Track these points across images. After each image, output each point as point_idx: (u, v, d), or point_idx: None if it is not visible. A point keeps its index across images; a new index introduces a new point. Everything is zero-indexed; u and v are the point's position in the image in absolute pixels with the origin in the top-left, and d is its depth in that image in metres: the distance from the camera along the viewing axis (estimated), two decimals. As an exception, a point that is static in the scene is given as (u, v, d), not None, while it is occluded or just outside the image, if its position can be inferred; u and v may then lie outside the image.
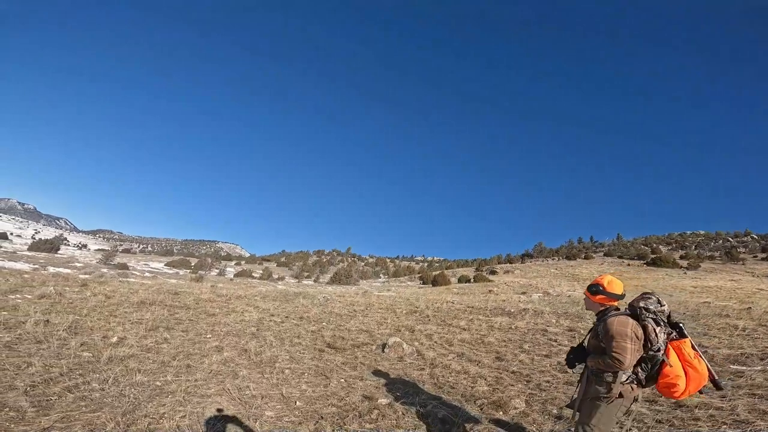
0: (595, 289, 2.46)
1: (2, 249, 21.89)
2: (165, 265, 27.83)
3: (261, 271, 30.88)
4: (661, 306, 2.32)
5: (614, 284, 2.46)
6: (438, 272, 27.49)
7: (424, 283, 24.74)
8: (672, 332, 2.28)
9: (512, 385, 4.54)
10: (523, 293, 15.22)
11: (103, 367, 4.08)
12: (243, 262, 44.90)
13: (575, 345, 2.66)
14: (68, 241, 62.38)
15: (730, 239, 46.26)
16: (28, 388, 3.29)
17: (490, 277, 23.92)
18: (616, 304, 2.47)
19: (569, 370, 4.88)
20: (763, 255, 33.47)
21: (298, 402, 3.87)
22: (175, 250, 68.78)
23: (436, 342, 6.79)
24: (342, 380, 4.62)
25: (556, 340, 6.67)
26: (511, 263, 37.35)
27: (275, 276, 29.43)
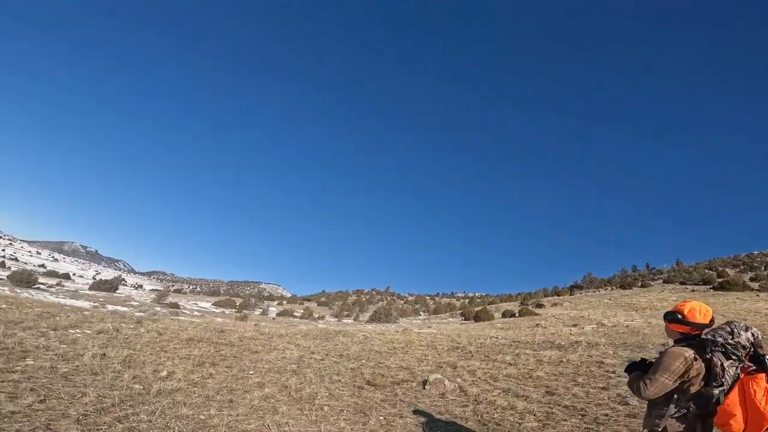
0: (672, 316, 2.28)
1: (65, 288, 23.80)
2: (212, 304, 28.91)
3: (302, 311, 31.21)
4: (734, 337, 2.08)
5: (696, 312, 2.23)
6: (480, 308, 26.47)
7: (465, 319, 23.83)
8: (750, 366, 2.04)
9: (565, 420, 4.21)
10: (574, 325, 14.21)
11: (152, 400, 4.23)
12: (285, 302, 45.68)
13: (637, 360, 2.47)
14: (126, 281, 66.89)
15: None
16: (81, 417, 3.47)
17: (537, 311, 22.63)
18: (699, 333, 2.21)
19: (632, 402, 4.47)
20: None
21: (336, 439, 3.78)
22: (221, 291, 71.53)
23: (479, 378, 6.46)
24: (381, 418, 4.47)
25: (614, 372, 6.14)
26: (558, 296, 35.29)
27: (316, 315, 29.60)
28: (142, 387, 4.61)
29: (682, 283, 32.50)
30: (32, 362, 4.81)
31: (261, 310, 29.74)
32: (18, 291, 15.53)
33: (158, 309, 17.94)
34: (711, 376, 2.05)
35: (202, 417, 3.96)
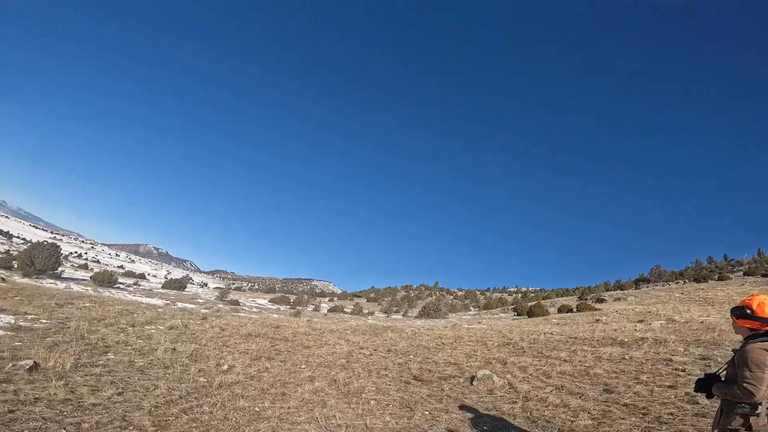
0: (740, 311, 2.17)
1: (141, 287, 26.34)
2: (268, 301, 30.50)
3: (352, 307, 31.94)
4: None
5: (766, 306, 2.12)
6: (534, 302, 25.42)
7: (518, 315, 23.02)
8: None
9: (623, 419, 3.98)
10: (640, 321, 13.20)
11: (214, 392, 4.60)
12: (335, 299, 47.01)
13: (709, 373, 2.36)
14: (193, 280, 72.40)
15: None
16: (152, 409, 3.85)
17: (597, 306, 21.29)
18: (750, 325, 2.14)
19: (701, 402, 4.10)
20: None
21: (380, 432, 3.87)
22: (276, 288, 75.11)
23: (531, 374, 6.25)
24: (426, 413, 4.50)
25: (684, 370, 5.66)
26: (622, 289, 32.90)
27: (365, 311, 30.16)
28: (206, 380, 5.02)
29: (764, 276, 28.88)
30: (113, 356, 5.41)
31: (313, 307, 30.86)
32: (100, 290, 17.45)
33: (221, 306, 19.29)
34: None
35: (257, 409, 4.23)
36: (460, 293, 61.09)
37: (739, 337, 2.24)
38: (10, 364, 4.24)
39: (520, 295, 50.07)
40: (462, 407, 4.71)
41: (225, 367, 5.79)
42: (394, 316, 26.88)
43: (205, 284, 65.70)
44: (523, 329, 12.65)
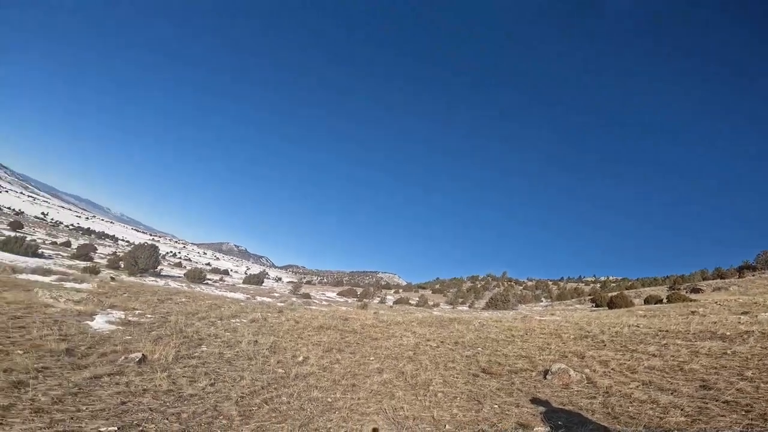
0: None
1: (225, 282, 29.03)
2: (337, 294, 31.86)
3: (417, 299, 32.08)
4: None
5: None
6: (615, 293, 23.43)
7: (597, 306, 21.40)
8: None
9: (722, 416, 3.54)
10: (744, 313, 11.53)
11: (291, 383, 4.95)
12: (401, 290, 47.56)
13: None
14: (269, 275, 77.85)
15: None
16: (239, 399, 4.23)
17: (692, 296, 19.05)
18: None
19: None
20: None
21: (447, 426, 3.87)
22: (344, 281, 77.96)
23: (613, 369, 5.81)
24: (495, 406, 4.41)
25: (797, 367, 4.86)
26: (722, 278, 28.96)
27: (430, 303, 30.12)
28: (283, 371, 5.42)
29: None
30: (206, 349, 6.06)
31: (379, 299, 31.56)
32: (192, 286, 19.59)
33: (294, 299, 20.58)
34: None
35: (329, 400, 4.48)
36: (530, 283, 58.30)
37: None
38: (123, 357, 4.91)
39: (598, 285, 46.42)
40: (534, 401, 4.53)
41: (300, 359, 6.19)
42: (460, 308, 26.51)
43: (280, 279, 70.21)
44: (603, 321, 11.74)
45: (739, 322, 9.50)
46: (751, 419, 3.40)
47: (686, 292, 21.01)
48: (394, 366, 6.28)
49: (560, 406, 4.31)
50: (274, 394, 4.47)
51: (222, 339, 6.80)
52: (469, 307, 27.98)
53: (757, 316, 10.65)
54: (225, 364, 5.39)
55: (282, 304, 16.18)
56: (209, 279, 27.15)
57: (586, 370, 5.78)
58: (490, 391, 4.99)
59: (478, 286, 52.13)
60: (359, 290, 36.69)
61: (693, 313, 13.03)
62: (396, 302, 29.10)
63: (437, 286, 53.68)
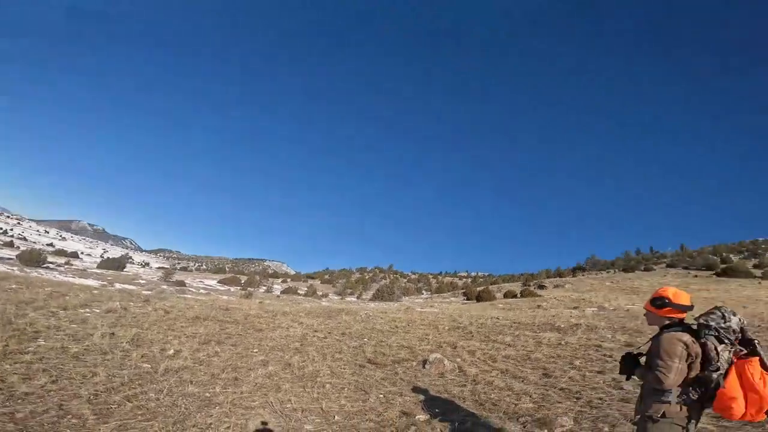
0: (660, 302, 2.29)
1: (74, 266, 24.23)
2: (217, 282, 29.42)
3: (306, 289, 31.69)
4: (725, 322, 2.15)
5: (680, 296, 2.29)
6: (482, 288, 26.75)
7: (468, 299, 24.13)
8: (742, 350, 2.11)
9: (560, 402, 4.30)
10: (575, 308, 14.35)
11: (160, 378, 4.39)
12: (289, 280, 46.37)
13: (630, 351, 2.51)
14: (133, 259, 68.18)
15: None
16: (92, 397, 3.60)
17: (539, 292, 22.87)
18: (684, 316, 2.31)
19: (625, 387, 4.55)
20: None
21: (336, 416, 3.92)
22: (226, 268, 72.57)
23: (479, 358, 6.60)
24: (381, 396, 4.61)
25: (611, 356, 6.23)
26: (561, 277, 35.53)
27: (319, 293, 30.07)
28: (150, 366, 4.76)
29: (685, 268, 32.51)
30: (44, 343, 4.95)
31: (265, 288, 30.24)
32: (27, 270, 15.85)
33: (165, 287, 18.30)
34: (707, 360, 2.10)
35: (207, 395, 4.10)
36: (413, 276, 62.76)
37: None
38: None
39: (470, 280, 52.43)
40: (415, 390, 4.88)
41: (171, 352, 5.53)
42: (348, 299, 27.07)
43: (147, 264, 62.05)
44: (472, 313, 13.27)
45: (571, 316, 11.77)
46: (581, 406, 4.18)
47: (535, 288, 25.13)
48: (280, 358, 6.07)
49: (437, 394, 4.73)
50: (139, 391, 3.92)
51: (66, 332, 5.66)
52: (358, 298, 28.78)
53: (584, 310, 13.34)
54: (71, 360, 4.50)
55: (149, 292, 14.22)
56: (51, 262, 22.19)
57: (458, 360, 6.46)
58: (376, 381, 5.20)
59: (366, 277, 54.01)
60: (244, 278, 34.58)
61: (539, 306, 15.69)
62: (284, 292, 28.25)
63: (326, 277, 53.86)
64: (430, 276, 64.30)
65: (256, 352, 6.30)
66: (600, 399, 4.34)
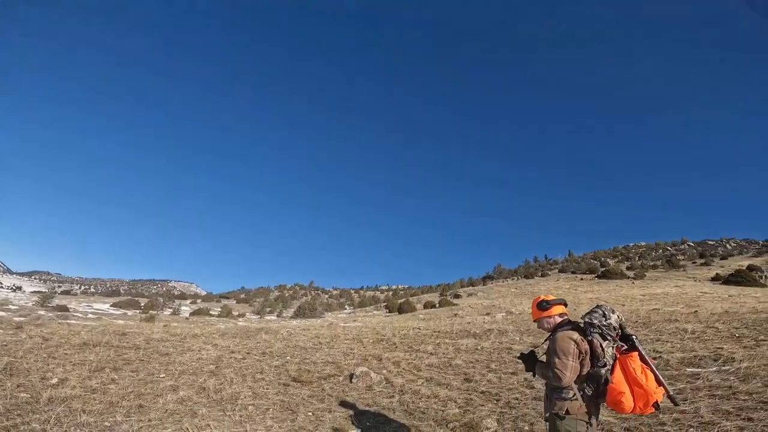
0: (545, 304, 2.47)
1: None
2: (111, 306, 25.71)
3: (219, 309, 29.27)
4: (606, 319, 2.28)
5: (550, 296, 2.51)
6: (403, 300, 27.42)
7: (390, 312, 24.53)
8: (623, 345, 2.25)
9: (482, 405, 4.55)
10: (487, 314, 15.46)
11: (43, 408, 3.72)
12: (199, 300, 42.45)
13: (526, 352, 2.64)
14: (1, 283, 56.71)
15: (668, 248, 50.25)
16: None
17: (455, 301, 24.16)
18: (566, 311, 2.49)
19: (536, 386, 4.98)
20: (701, 261, 36.47)
21: (263, 438, 3.66)
22: (122, 291, 63.85)
23: (404, 368, 6.72)
24: (309, 413, 4.44)
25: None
26: (473, 286, 38.07)
27: (235, 313, 27.98)
28: (29, 395, 4.01)
29: (573, 273, 37.24)
30: None
31: (171, 310, 27.24)
32: None
33: (42, 313, 15.46)
34: (595, 357, 2.22)
35: (107, 423, 3.56)
36: (335, 292, 61.94)
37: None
38: None
39: (391, 293, 53.37)
40: (344, 405, 4.77)
41: (54, 381, 4.69)
42: (267, 317, 25.63)
43: (19, 288, 52.19)
44: (395, 325, 13.52)
45: (484, 322, 12.67)
46: (501, 407, 4.47)
47: (451, 298, 26.52)
48: (192, 382, 5.50)
49: (367, 408, 4.69)
50: (19, 421, 3.30)
51: None
52: (278, 316, 27.35)
53: (494, 316, 14.47)
54: None
55: (22, 318, 11.89)
56: None
57: (384, 371, 6.50)
58: (303, 399, 4.98)
59: (286, 295, 51.83)
60: (144, 301, 30.75)
61: (455, 315, 16.59)
62: (193, 313, 25.71)
63: (243, 296, 50.54)
64: (352, 291, 64.04)
65: (164, 377, 5.62)
66: (516, 399, 4.66)
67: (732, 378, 4.39)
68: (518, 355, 2.62)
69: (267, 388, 5.44)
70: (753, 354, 5.22)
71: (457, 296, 28.03)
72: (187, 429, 3.66)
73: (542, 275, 38.14)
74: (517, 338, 8.82)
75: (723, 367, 4.84)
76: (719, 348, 5.79)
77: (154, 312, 22.54)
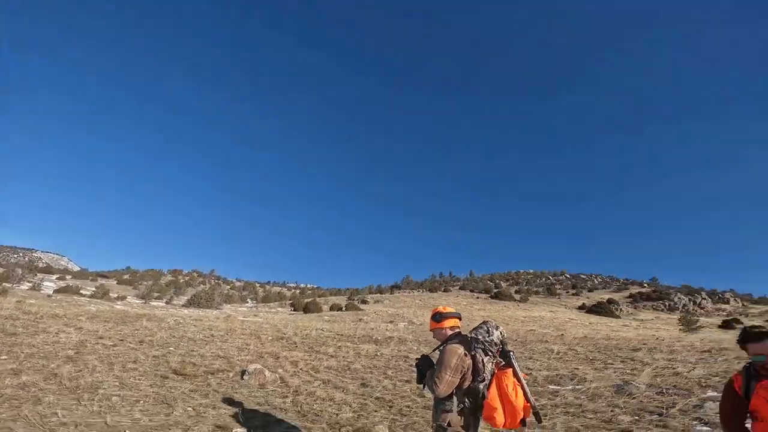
0: (440, 316, 2.52)
1: None
2: (-58, 270, 20.68)
3: (94, 289, 25.44)
4: (489, 335, 2.34)
5: (448, 309, 2.58)
6: (310, 299, 26.86)
7: (295, 310, 23.81)
8: (501, 361, 2.32)
9: (376, 411, 4.55)
10: (391, 322, 15.86)
11: None
12: (69, 277, 36.48)
13: (419, 357, 2.63)
14: None
15: (550, 277, 57.43)
16: None
17: (362, 306, 24.37)
18: (459, 324, 2.55)
19: (427, 395, 5.14)
20: (573, 291, 43.11)
21: (127, 431, 3.18)
22: (-38, 254, 51.67)
23: (302, 369, 6.50)
24: (189, 408, 3.99)
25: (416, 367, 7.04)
26: (381, 293, 38.87)
27: (113, 295, 24.56)
28: None
29: (471, 291, 40.47)
30: None
31: (31, 285, 22.89)
32: None
33: None
34: (476, 371, 2.27)
35: None
36: (238, 284, 58.19)
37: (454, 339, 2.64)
38: None
39: (298, 291, 51.92)
40: (231, 402, 4.40)
41: None
42: (154, 303, 22.90)
43: None
44: (298, 324, 13.12)
45: (387, 329, 12.96)
46: (393, 414, 4.50)
47: (358, 303, 26.71)
48: (41, 367, 4.65)
49: (257, 406, 4.39)
50: None
51: None
52: (167, 303, 24.59)
53: (397, 324, 14.90)
54: None
55: None
56: None
57: (280, 371, 6.21)
58: (183, 393, 4.48)
59: (181, 281, 47.26)
60: (-7, 267, 25.40)
61: (360, 320, 16.72)
62: (59, 291, 21.91)
63: (126, 277, 44.68)
64: (257, 284, 60.82)
65: (5, 359, 4.63)
66: (408, 407, 4.75)
67: (583, 397, 5.00)
68: (415, 362, 2.64)
69: (139, 380, 4.80)
70: (601, 375, 6.10)
71: (364, 302, 28.33)
72: (27, 416, 3.02)
73: (445, 290, 40.63)
74: (415, 347, 9.15)
75: (577, 387, 5.52)
76: (576, 368, 6.67)
77: (8, 285, 18.71)
